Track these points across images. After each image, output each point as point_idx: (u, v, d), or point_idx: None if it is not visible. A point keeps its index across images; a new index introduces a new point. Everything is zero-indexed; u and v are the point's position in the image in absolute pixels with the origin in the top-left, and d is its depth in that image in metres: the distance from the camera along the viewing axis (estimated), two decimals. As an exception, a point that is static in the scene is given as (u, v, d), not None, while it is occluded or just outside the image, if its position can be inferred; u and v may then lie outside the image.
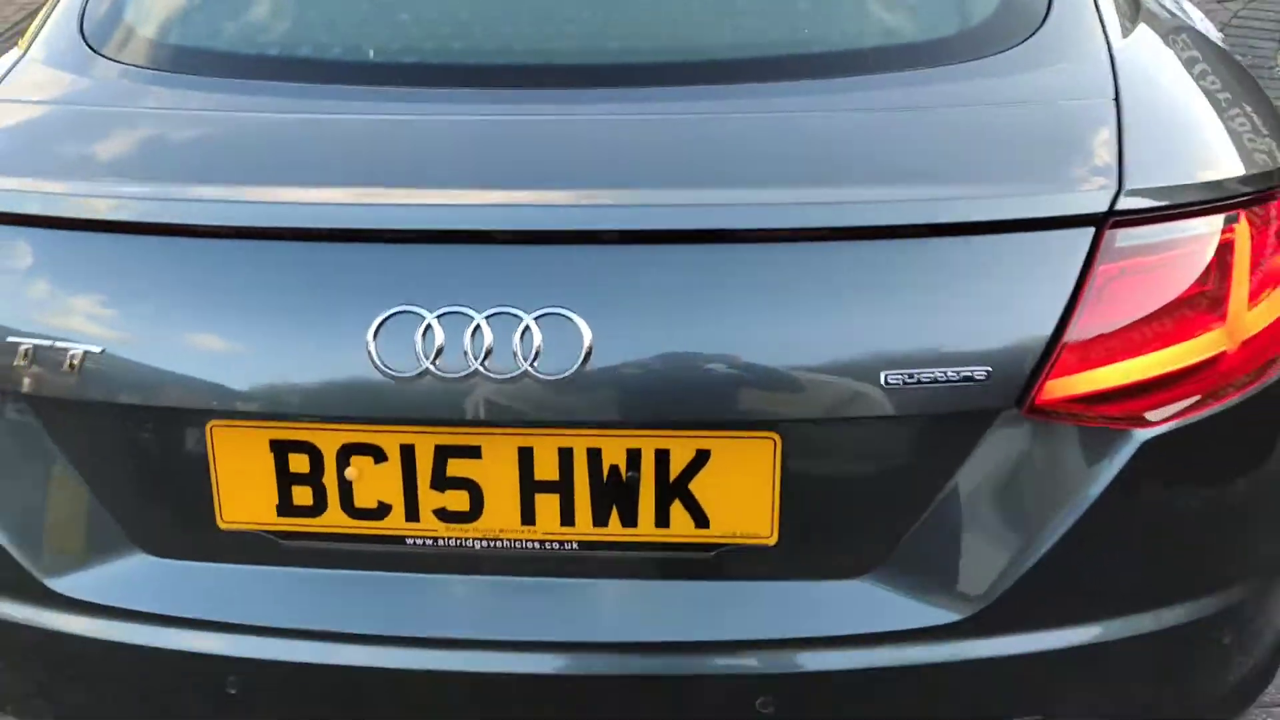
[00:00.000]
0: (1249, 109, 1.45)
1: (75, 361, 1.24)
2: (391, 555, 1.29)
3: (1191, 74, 1.47)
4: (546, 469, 1.23)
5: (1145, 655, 1.32)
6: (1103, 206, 1.21)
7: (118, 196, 1.26)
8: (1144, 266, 1.24)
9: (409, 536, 1.28)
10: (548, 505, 1.25)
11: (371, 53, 1.44)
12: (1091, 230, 1.21)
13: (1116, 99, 1.33)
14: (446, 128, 1.33)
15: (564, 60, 1.42)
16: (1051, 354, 1.19)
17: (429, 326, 1.17)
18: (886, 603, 1.26)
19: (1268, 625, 1.41)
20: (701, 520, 1.25)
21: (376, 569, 1.30)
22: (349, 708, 1.32)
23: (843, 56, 1.40)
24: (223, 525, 1.29)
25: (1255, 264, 1.28)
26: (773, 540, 1.25)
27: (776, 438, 1.21)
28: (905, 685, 1.28)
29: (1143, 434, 1.22)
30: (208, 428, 1.25)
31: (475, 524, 1.26)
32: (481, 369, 1.17)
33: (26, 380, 1.26)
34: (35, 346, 1.25)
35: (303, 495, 1.27)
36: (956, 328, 1.19)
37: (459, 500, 1.26)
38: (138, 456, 1.29)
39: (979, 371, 1.18)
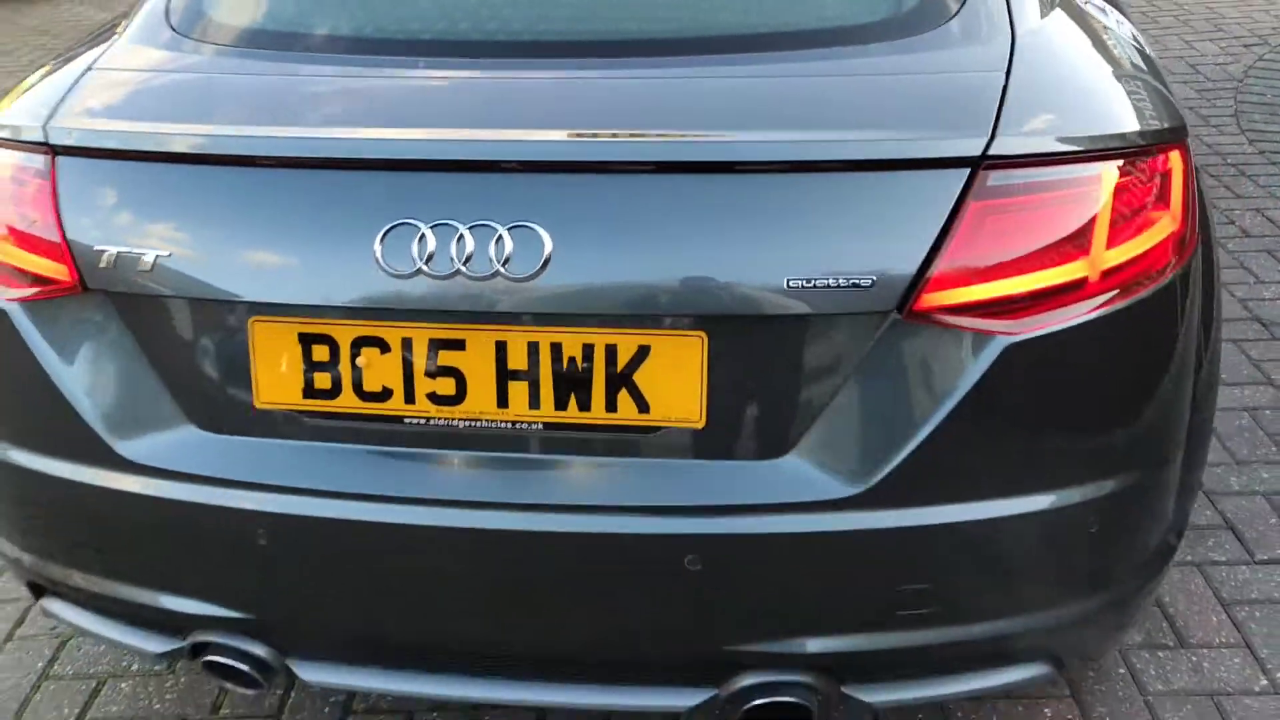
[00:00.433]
0: (1136, 86, 1.70)
1: (148, 265, 1.56)
2: (393, 432, 1.57)
3: (1086, 55, 1.73)
4: (518, 360, 1.51)
5: (1014, 538, 1.55)
6: (976, 151, 1.46)
7: (184, 135, 1.58)
8: (1015, 205, 1.48)
9: (407, 416, 1.56)
10: (519, 391, 1.53)
11: (389, 29, 1.76)
12: (967, 171, 1.46)
13: (1008, 71, 1.58)
14: (447, 85, 1.64)
15: (539, 37, 1.72)
16: (927, 269, 1.44)
17: (423, 235, 1.46)
18: (795, 479, 1.51)
19: (1137, 518, 1.63)
20: (643, 406, 1.51)
21: (381, 444, 1.58)
22: (355, 554, 1.60)
23: (783, 35, 1.67)
24: (259, 405, 1.59)
25: (1118, 211, 1.52)
26: (701, 424, 1.51)
27: (704, 335, 1.48)
28: (809, 549, 1.52)
29: (1006, 340, 1.47)
30: (249, 323, 1.55)
31: (460, 406, 1.54)
32: (463, 269, 1.46)
33: (110, 279, 1.58)
34: (118, 253, 1.57)
35: (323, 380, 1.56)
36: (850, 245, 1.45)
37: (447, 386, 1.54)
38: (192, 345, 1.60)
39: (864, 280, 1.44)
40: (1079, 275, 1.49)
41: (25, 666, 2.27)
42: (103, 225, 1.58)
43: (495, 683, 1.69)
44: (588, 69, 1.63)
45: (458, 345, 1.52)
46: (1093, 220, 1.50)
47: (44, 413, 1.65)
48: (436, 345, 1.52)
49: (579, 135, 1.51)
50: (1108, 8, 2.04)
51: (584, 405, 1.52)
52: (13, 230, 1.65)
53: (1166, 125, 1.63)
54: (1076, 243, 1.50)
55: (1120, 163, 1.54)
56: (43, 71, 1.85)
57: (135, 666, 2.24)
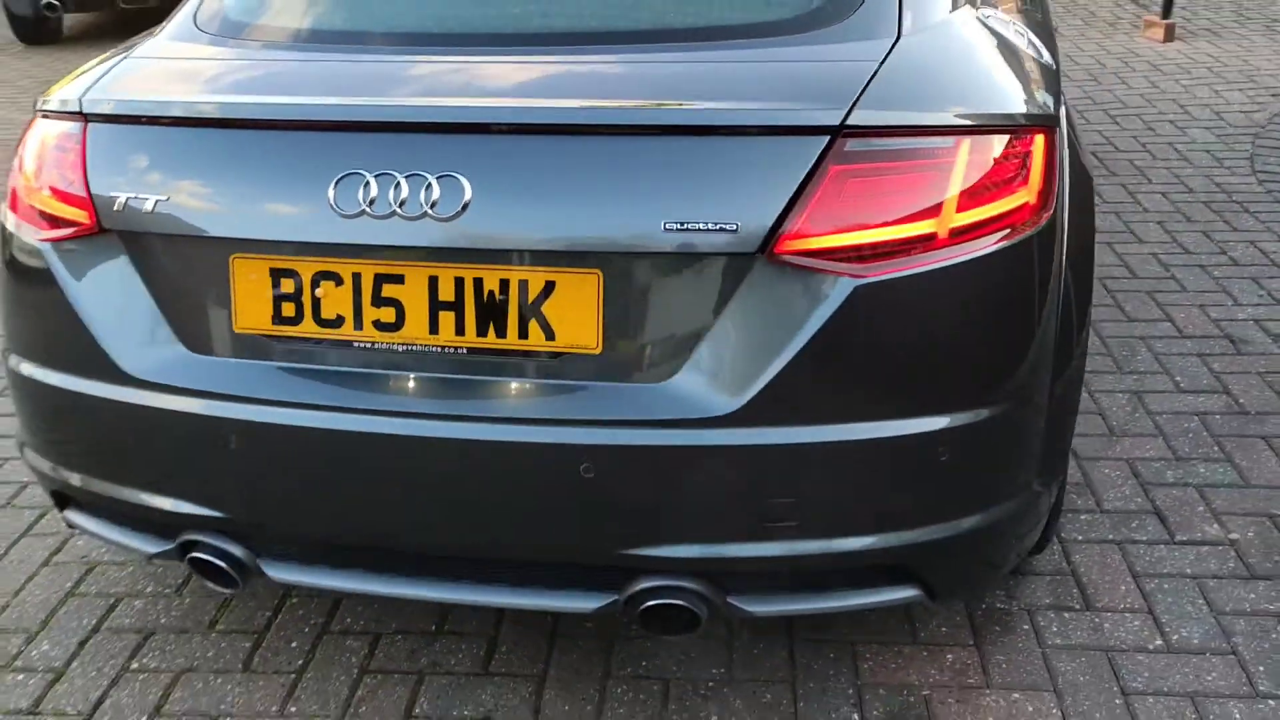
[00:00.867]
0: (1005, 80, 1.94)
1: (150, 209, 1.88)
2: (345, 354, 1.86)
3: (962, 53, 1.97)
4: (446, 293, 1.80)
5: (867, 461, 1.77)
6: (836, 121, 1.72)
7: (180, 104, 1.92)
8: (874, 169, 1.73)
9: (356, 341, 1.85)
10: (447, 320, 1.81)
11: (348, 25, 2.11)
12: (827, 137, 1.72)
13: (883, 60, 1.84)
14: (388, 66, 1.96)
15: (472, 29, 2.04)
16: (786, 218, 1.70)
17: (368, 182, 1.76)
18: (677, 399, 1.76)
19: (980, 454, 1.83)
20: (550, 334, 1.78)
21: (335, 365, 1.88)
22: (311, 456, 1.88)
23: (693, 30, 1.96)
24: (237, 330, 1.89)
25: (971, 179, 1.76)
26: (598, 350, 1.78)
27: (599, 272, 1.74)
28: (688, 461, 1.77)
29: (854, 282, 1.71)
30: (230, 259, 1.86)
31: (400, 332, 1.83)
32: (398, 210, 1.75)
33: (121, 221, 1.91)
34: (127, 199, 1.90)
35: (288, 309, 1.86)
36: (722, 196, 1.71)
37: (389, 315, 1.83)
38: (184, 278, 1.91)
39: (730, 224, 1.69)
40: (928, 231, 1.73)
41: (56, 586, 2.59)
42: (117, 178, 1.92)
43: (422, 582, 1.96)
44: (516, 54, 1.93)
45: (398, 280, 1.81)
46: (945, 185, 1.74)
47: (65, 335, 1.98)
48: (380, 279, 1.81)
49: (498, 103, 1.81)
50: (1012, 19, 2.28)
51: (501, 333, 1.79)
52: (53, 188, 1.99)
53: (1029, 112, 1.87)
54: (929, 204, 1.74)
55: (977, 138, 1.77)
56: (95, 60, 2.22)
57: (150, 589, 2.55)
